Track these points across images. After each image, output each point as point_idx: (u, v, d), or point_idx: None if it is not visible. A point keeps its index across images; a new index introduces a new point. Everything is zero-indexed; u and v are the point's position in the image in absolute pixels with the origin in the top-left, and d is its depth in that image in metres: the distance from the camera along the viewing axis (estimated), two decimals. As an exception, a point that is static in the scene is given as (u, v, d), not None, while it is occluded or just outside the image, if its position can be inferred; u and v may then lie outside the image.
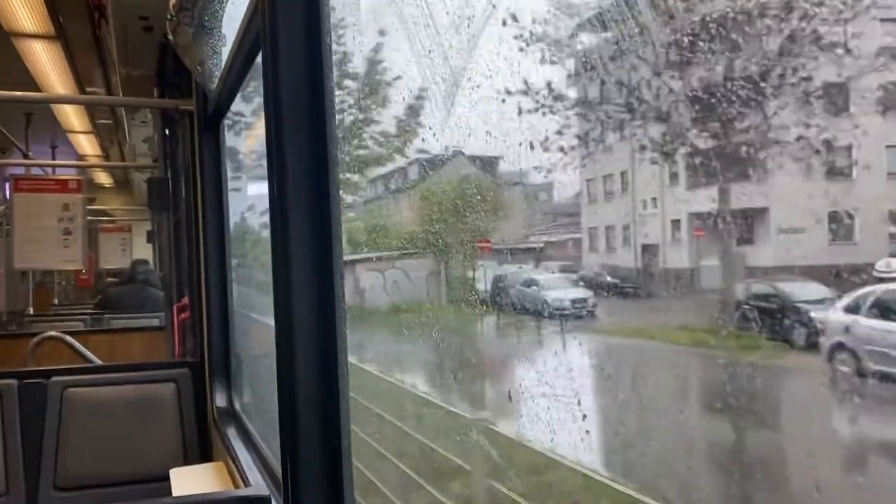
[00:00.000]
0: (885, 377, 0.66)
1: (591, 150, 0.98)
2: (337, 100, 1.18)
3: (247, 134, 3.58)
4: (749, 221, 0.90)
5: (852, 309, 0.72)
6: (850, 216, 0.81)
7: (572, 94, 0.77)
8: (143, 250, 10.74)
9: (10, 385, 3.30)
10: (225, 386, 3.34)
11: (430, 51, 0.96)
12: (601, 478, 1.54)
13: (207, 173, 3.34)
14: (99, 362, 4.23)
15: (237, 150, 3.68)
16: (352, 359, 1.47)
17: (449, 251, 1.85)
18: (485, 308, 1.70)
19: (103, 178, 11.70)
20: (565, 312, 1.55)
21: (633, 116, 0.83)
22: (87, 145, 8.44)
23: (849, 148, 0.78)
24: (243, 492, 2.17)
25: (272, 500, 1.98)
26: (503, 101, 0.71)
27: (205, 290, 3.43)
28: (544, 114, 0.81)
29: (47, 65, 5.10)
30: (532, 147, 0.81)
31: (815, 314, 0.75)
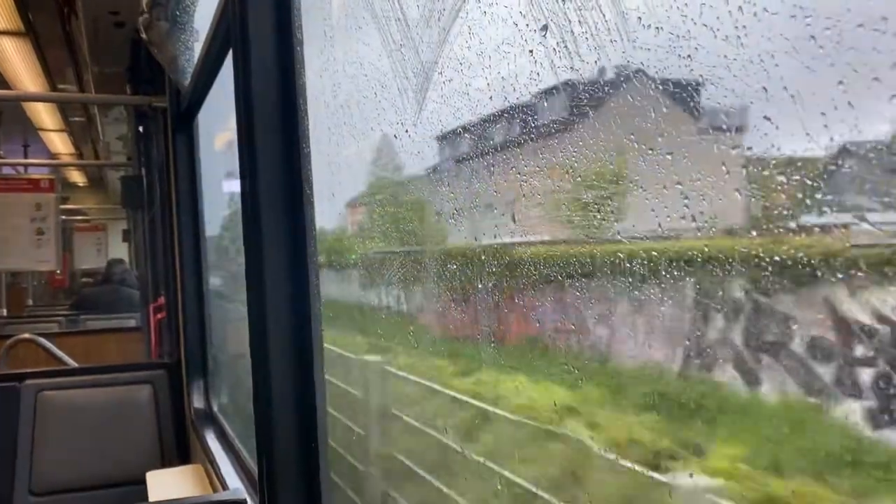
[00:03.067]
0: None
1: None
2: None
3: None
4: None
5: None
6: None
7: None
8: (119, 249, 10.61)
9: None
10: (202, 387, 3.30)
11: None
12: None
13: (181, 171, 3.29)
14: (74, 364, 4.16)
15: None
16: None
17: None
18: None
19: (77, 177, 11.53)
20: None
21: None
22: (59, 144, 8.30)
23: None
24: (221, 495, 2.14)
25: (249, 502, 1.96)
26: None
27: (181, 289, 3.38)
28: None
29: (17, 62, 5.00)
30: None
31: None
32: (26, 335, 4.50)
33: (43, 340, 4.32)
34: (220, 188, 3.65)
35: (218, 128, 3.43)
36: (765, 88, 0.45)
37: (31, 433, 3.26)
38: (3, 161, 7.35)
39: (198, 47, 2.50)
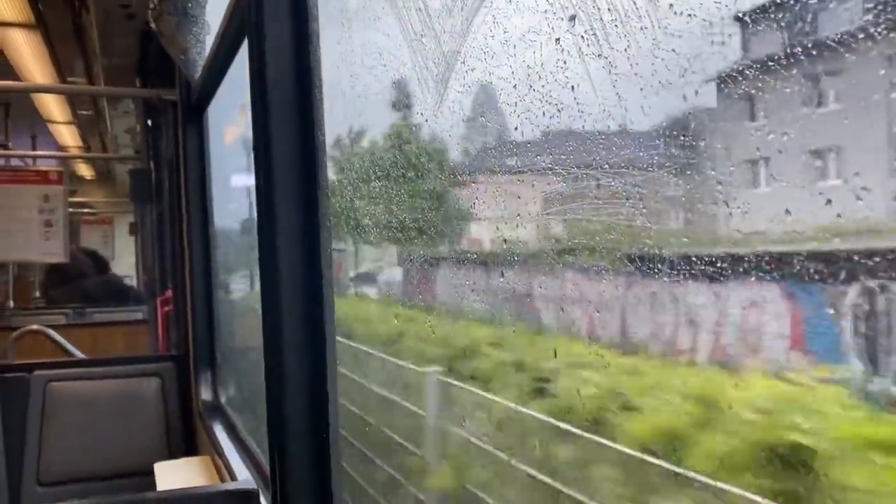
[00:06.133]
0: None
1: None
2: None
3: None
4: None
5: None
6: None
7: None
8: (126, 242, 10.64)
9: None
10: (210, 379, 3.30)
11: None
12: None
13: (191, 164, 3.30)
14: (82, 356, 4.18)
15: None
16: None
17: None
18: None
19: (85, 170, 11.55)
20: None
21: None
22: (68, 136, 8.31)
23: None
24: (230, 486, 2.14)
25: (259, 493, 1.96)
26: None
27: (189, 282, 3.39)
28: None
29: (27, 54, 5.00)
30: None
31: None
32: (34, 326, 4.51)
33: (51, 332, 4.34)
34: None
35: (225, 122, 3.43)
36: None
37: (40, 424, 3.27)
38: (12, 153, 7.37)
39: (209, 39, 2.50)
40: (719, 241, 0.71)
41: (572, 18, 0.65)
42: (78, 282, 7.05)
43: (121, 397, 3.40)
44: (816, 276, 0.61)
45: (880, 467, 0.78)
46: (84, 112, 7.29)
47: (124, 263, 10.17)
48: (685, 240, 0.75)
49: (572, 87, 0.66)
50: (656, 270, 0.76)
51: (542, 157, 0.86)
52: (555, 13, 0.66)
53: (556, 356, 1.12)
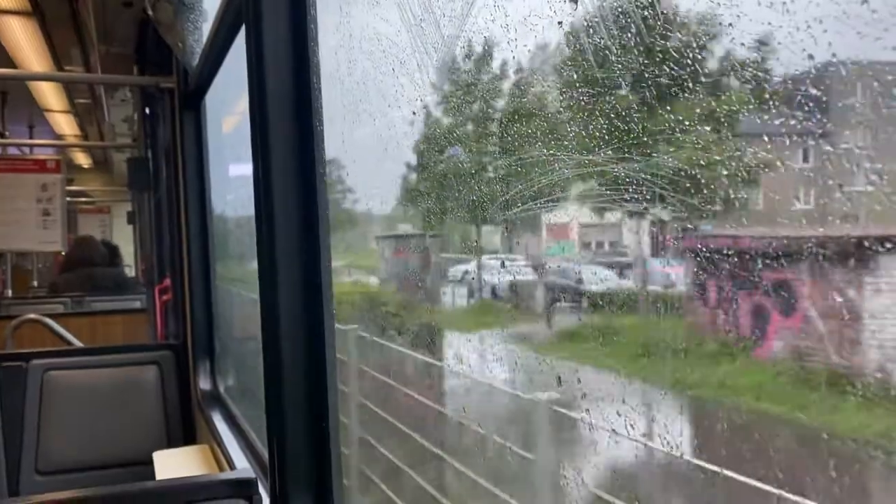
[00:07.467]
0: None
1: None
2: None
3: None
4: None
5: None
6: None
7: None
8: (124, 231, 10.63)
9: None
10: (208, 368, 3.30)
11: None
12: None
13: (188, 152, 3.28)
14: (80, 345, 4.17)
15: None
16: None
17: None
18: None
19: (82, 159, 11.52)
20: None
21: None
22: (65, 125, 8.29)
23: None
24: (229, 475, 2.14)
25: (258, 482, 1.96)
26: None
27: (187, 271, 3.38)
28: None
29: (23, 42, 4.96)
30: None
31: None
32: (32, 315, 4.50)
33: (49, 321, 4.32)
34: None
35: (224, 111, 3.41)
36: (811, 56, 0.44)
37: (38, 413, 3.26)
38: (9, 141, 7.34)
39: (206, 27, 2.48)
40: None
41: (575, 0, 0.64)
42: (93, 269, 7.05)
43: (119, 386, 3.40)
44: None
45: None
46: (81, 100, 7.26)
47: (122, 252, 10.16)
48: None
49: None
50: None
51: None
52: (557, -5, 0.65)
53: None
